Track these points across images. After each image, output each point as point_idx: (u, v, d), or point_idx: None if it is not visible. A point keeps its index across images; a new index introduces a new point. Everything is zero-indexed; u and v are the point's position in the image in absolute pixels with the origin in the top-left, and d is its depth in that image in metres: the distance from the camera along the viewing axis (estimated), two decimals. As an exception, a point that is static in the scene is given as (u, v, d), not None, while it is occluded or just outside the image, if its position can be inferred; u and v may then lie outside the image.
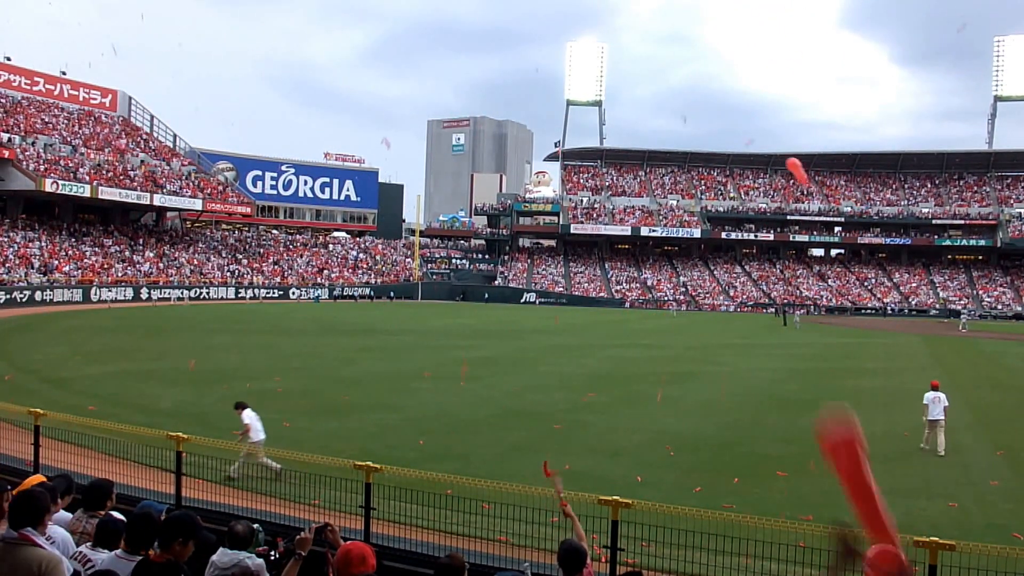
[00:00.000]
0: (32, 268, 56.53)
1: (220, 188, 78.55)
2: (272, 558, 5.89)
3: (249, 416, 12.42)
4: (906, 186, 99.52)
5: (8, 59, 69.95)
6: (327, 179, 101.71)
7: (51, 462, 9.35)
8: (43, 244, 60.35)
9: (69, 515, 5.97)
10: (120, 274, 62.55)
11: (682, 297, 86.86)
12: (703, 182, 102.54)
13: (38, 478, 6.35)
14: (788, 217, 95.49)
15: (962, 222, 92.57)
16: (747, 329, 52.61)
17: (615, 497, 6.32)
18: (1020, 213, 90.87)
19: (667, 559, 6.70)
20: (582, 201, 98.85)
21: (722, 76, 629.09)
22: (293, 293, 74.67)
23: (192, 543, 4.71)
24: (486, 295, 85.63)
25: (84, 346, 29.24)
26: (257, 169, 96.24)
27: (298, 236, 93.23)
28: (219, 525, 6.30)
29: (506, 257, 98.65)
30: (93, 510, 5.85)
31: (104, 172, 65.39)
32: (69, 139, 67.86)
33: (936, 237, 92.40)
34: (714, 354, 33.96)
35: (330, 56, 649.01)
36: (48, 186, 58.60)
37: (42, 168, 60.47)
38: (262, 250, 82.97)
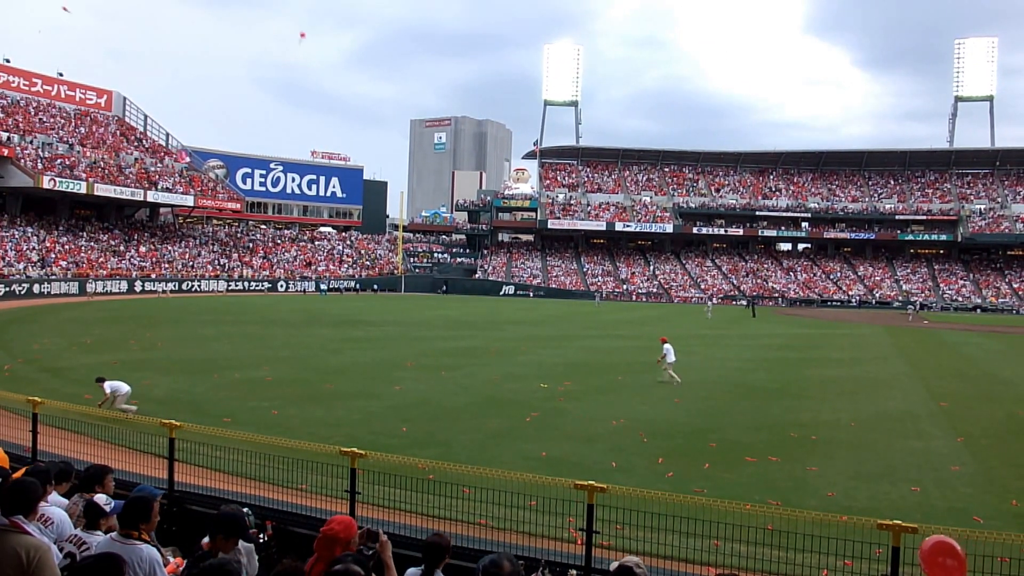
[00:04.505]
0: (30, 262, 58.45)
1: (211, 185, 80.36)
2: (260, 540, 6.01)
3: (110, 385, 14.84)
4: (870, 183, 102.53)
5: (7, 61, 71.47)
6: (314, 176, 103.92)
7: (49, 448, 9.51)
8: (41, 239, 62.29)
9: (65, 500, 6.12)
10: (115, 267, 64.56)
11: (607, 291, 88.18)
12: (675, 179, 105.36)
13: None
14: (757, 213, 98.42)
15: (924, 218, 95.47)
16: (717, 320, 53.31)
17: (591, 482, 6.43)
18: (980, 209, 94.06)
19: (641, 542, 6.77)
20: (559, 197, 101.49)
21: (693, 78, 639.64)
22: (281, 286, 76.82)
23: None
24: (444, 287, 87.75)
25: (80, 337, 29.52)
26: (247, 167, 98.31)
27: (286, 231, 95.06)
28: (210, 508, 6.43)
29: (486, 251, 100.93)
30: (84, 492, 6.01)
31: (100, 169, 67.34)
32: (66, 138, 69.49)
33: (899, 232, 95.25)
34: (685, 344, 33.67)
35: (319, 59, 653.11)
36: (46, 183, 60.52)
37: (40, 166, 62.34)
38: (251, 245, 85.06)
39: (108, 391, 14.76)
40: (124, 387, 15.04)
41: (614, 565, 4.79)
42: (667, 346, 21.89)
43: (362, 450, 7.35)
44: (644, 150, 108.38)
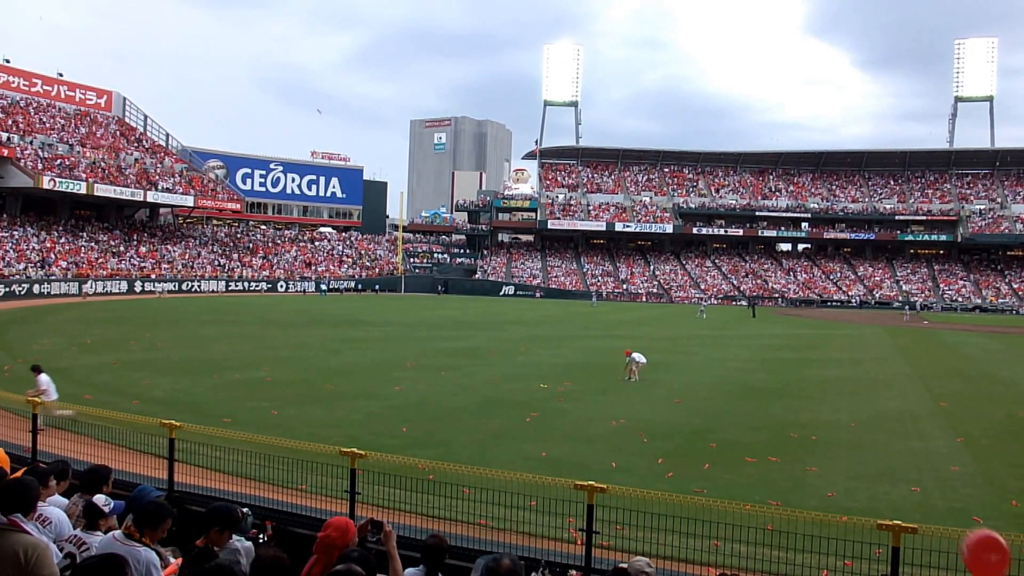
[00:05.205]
0: (30, 262, 58.45)
1: (211, 185, 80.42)
2: (260, 541, 5.96)
3: (45, 380, 14.13)
4: (870, 183, 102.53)
5: (7, 61, 71.57)
6: (314, 176, 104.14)
7: (49, 449, 9.50)
8: (41, 239, 62.29)
9: (65, 500, 6.08)
10: (115, 267, 64.54)
11: (605, 291, 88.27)
12: (675, 180, 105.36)
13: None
14: (757, 213, 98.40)
15: (924, 218, 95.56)
16: (717, 321, 53.41)
17: (591, 482, 6.41)
18: (979, 209, 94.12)
19: (641, 542, 6.77)
20: (559, 198, 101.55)
21: (693, 79, 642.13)
22: (281, 286, 76.78)
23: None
24: (442, 288, 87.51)
25: (80, 337, 29.47)
26: (247, 167, 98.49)
27: (286, 231, 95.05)
28: (210, 509, 6.86)
29: (486, 251, 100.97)
30: (87, 493, 5.92)
31: (100, 170, 67.41)
32: (66, 138, 69.58)
33: (899, 232, 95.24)
34: (685, 345, 34.18)
35: (319, 60, 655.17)
36: (46, 183, 60.60)
37: (40, 166, 62.40)
38: (251, 245, 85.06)
39: (42, 384, 14.11)
40: (54, 393, 14.17)
41: (624, 564, 4.78)
42: (635, 355, 22.19)
43: (362, 450, 7.33)
44: (644, 150, 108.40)
